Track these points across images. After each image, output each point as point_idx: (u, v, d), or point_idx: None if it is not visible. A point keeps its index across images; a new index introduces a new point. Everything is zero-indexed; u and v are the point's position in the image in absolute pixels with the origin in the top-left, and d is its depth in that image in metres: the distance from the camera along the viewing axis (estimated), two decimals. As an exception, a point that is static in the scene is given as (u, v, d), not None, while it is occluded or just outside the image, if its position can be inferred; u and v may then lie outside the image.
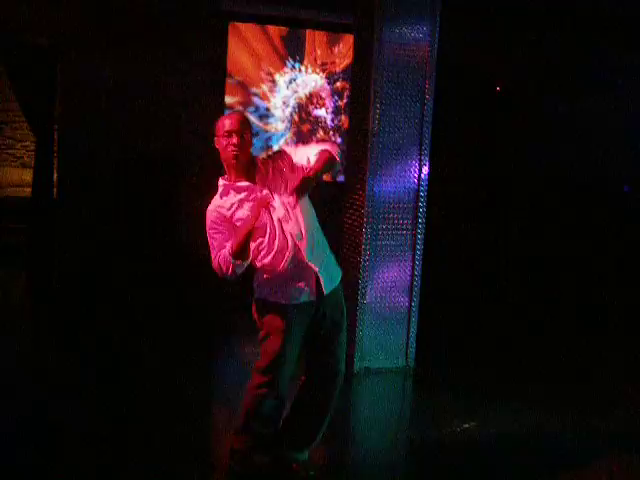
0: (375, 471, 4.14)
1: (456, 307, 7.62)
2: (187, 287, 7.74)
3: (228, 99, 9.24)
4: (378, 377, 5.59)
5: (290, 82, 9.57)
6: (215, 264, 3.60)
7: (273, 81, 9.49)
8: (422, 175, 5.54)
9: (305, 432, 3.90)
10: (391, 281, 5.57)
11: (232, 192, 3.66)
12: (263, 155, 3.85)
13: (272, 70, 9.44)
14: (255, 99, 9.48)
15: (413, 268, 5.61)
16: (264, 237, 3.61)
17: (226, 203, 3.65)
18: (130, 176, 8.63)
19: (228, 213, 3.62)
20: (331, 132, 9.92)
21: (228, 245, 3.55)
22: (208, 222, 3.67)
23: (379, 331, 5.60)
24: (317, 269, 3.66)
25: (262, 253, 3.63)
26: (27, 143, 11.93)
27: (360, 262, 5.45)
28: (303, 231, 3.64)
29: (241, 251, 3.50)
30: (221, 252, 3.57)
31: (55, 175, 8.95)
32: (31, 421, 4.45)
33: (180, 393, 5.04)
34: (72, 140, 8.63)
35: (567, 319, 7.44)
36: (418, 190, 5.53)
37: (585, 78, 9.45)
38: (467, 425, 4.72)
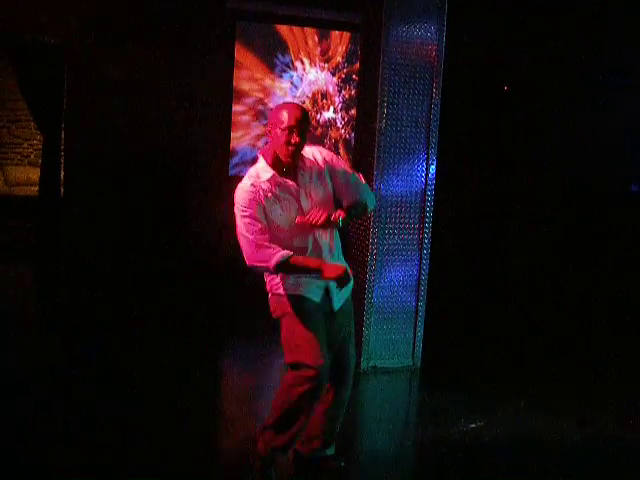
0: (381, 471, 4.12)
1: (463, 306, 7.61)
2: (194, 285, 7.75)
3: (237, 107, 9.27)
4: (385, 376, 5.59)
5: (293, 83, 9.59)
6: (249, 252, 3.41)
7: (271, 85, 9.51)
8: (429, 174, 5.52)
9: (330, 429, 3.89)
10: (398, 280, 5.56)
11: (274, 184, 3.48)
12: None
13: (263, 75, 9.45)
14: (260, 106, 9.48)
15: (420, 267, 5.60)
16: (295, 237, 3.53)
17: (264, 186, 3.45)
18: (137, 175, 8.64)
19: (263, 200, 3.44)
20: (342, 130, 9.89)
21: (278, 254, 3.36)
22: (240, 200, 3.44)
23: (386, 330, 5.60)
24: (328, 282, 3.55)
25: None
26: (34, 142, 11.98)
27: (367, 261, 5.45)
28: (332, 245, 3.63)
29: (286, 271, 3.47)
30: (264, 250, 3.38)
31: (62, 174, 8.97)
32: (33, 420, 4.44)
33: (189, 392, 5.04)
34: (79, 139, 8.65)
35: (574, 319, 7.43)
36: (425, 189, 5.52)
37: (591, 77, 9.42)
38: (474, 425, 4.71)
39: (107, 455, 4.03)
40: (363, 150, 5.63)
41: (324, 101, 9.76)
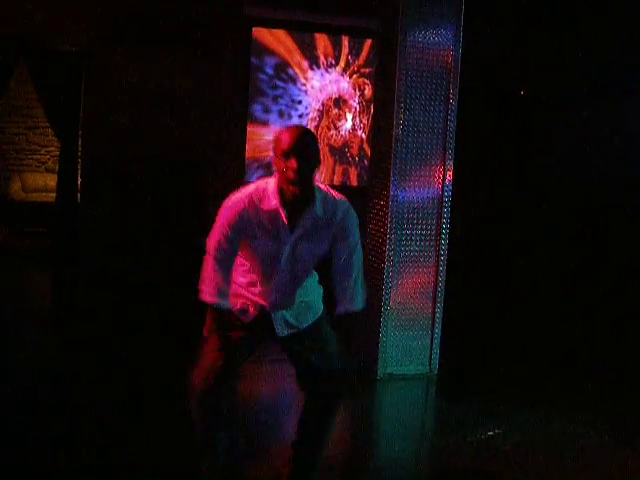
0: (398, 478, 4.11)
1: (480, 313, 7.57)
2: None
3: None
4: (401, 383, 5.56)
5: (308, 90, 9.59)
6: (209, 240, 3.31)
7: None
8: (446, 180, 5.50)
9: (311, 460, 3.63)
10: (415, 287, 5.54)
11: (268, 214, 3.20)
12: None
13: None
14: (273, 116, 9.47)
15: (437, 274, 5.57)
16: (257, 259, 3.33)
17: (257, 211, 3.19)
18: (153, 181, 8.67)
19: (247, 221, 3.21)
20: (361, 132, 9.86)
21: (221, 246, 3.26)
22: (228, 210, 3.25)
23: (403, 337, 5.57)
24: (273, 312, 3.36)
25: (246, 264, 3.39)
26: (51, 148, 12.04)
27: (384, 268, 5.43)
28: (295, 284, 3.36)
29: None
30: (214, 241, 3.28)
31: (79, 180, 9.02)
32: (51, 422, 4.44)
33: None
34: (96, 145, 8.70)
35: (595, 325, 7.36)
36: (442, 195, 5.49)
37: (609, 81, 9.36)
38: (492, 433, 4.68)
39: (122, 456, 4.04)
40: (380, 157, 5.61)
41: (339, 110, 9.74)
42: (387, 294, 5.46)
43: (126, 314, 6.94)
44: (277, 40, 9.31)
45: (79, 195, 8.98)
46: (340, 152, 9.80)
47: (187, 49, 8.76)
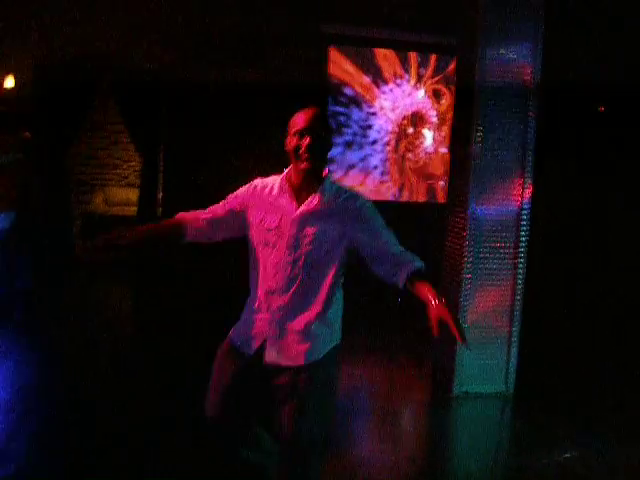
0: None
1: (558, 332, 7.43)
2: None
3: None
4: (477, 402, 5.51)
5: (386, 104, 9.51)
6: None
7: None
8: (524, 198, 5.44)
9: None
10: (492, 304, 5.49)
11: (273, 194, 3.10)
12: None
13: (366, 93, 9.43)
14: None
15: (514, 292, 5.51)
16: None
17: (262, 191, 3.13)
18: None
19: (250, 202, 3.14)
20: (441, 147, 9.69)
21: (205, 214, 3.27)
22: (243, 189, 3.22)
23: (479, 355, 5.52)
24: (269, 333, 3.05)
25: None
26: (133, 163, 12.35)
27: (461, 285, 5.40)
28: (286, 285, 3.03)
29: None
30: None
31: (160, 194, 9.23)
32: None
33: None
34: (177, 161, 8.90)
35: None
36: (520, 213, 5.44)
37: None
38: (568, 455, 4.59)
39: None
40: (458, 173, 5.60)
41: (415, 128, 9.61)
42: (464, 311, 5.42)
43: (206, 321, 7.04)
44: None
45: (160, 209, 9.18)
46: (422, 170, 9.67)
47: (266, 66, 8.89)
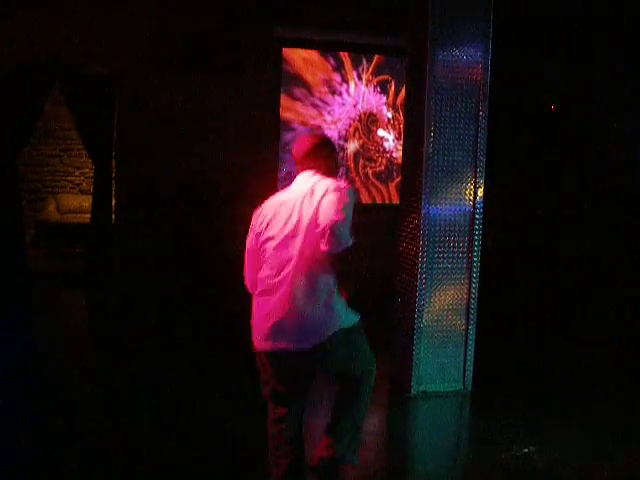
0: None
1: (513, 329, 7.52)
2: (246, 308, 7.78)
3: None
4: (435, 401, 5.53)
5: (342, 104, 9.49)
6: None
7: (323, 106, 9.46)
8: (477, 197, 5.50)
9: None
10: (448, 304, 5.53)
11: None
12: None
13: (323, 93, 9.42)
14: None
15: (469, 290, 5.56)
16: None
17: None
18: (187, 202, 8.76)
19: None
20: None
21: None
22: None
23: (436, 354, 5.56)
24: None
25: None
26: (85, 170, 12.22)
27: (416, 285, 5.43)
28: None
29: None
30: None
31: (113, 201, 9.13)
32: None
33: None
34: (130, 167, 8.81)
35: (632, 340, 7.27)
36: (474, 212, 5.49)
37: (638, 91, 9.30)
38: (527, 450, 4.63)
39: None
40: (410, 174, 5.63)
41: (373, 132, 9.58)
42: (420, 311, 5.45)
43: (160, 334, 7.00)
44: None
45: (114, 216, 9.08)
46: (387, 172, 9.66)
47: (219, 71, 8.85)
